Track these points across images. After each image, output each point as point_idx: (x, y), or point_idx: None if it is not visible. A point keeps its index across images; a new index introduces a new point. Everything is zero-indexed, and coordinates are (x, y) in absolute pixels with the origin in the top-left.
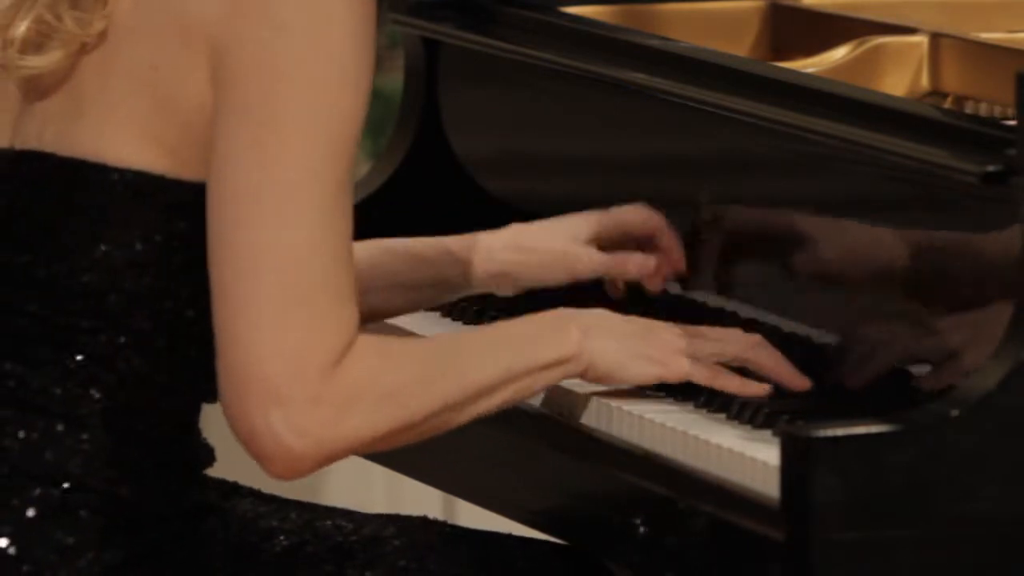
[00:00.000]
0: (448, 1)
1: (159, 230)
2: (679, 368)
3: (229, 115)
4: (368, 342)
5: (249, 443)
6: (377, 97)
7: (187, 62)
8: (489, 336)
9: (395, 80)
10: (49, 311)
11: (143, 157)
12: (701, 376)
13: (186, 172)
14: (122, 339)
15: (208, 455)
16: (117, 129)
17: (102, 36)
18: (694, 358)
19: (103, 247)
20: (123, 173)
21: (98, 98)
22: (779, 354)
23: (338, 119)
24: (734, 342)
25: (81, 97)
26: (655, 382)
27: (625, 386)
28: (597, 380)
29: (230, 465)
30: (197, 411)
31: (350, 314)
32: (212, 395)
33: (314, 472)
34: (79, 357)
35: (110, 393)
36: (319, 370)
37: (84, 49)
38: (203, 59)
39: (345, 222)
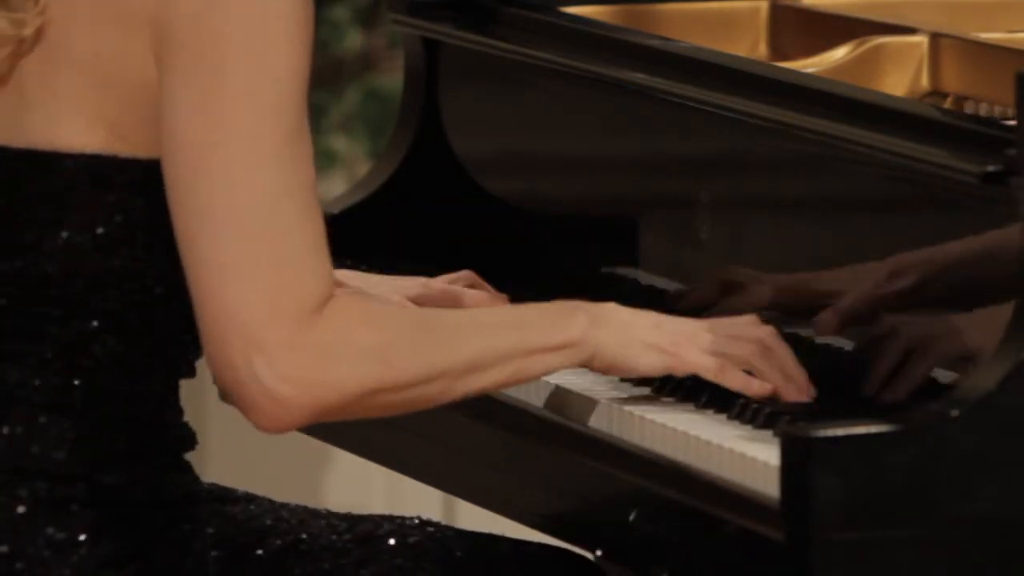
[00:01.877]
0: (448, 1)
1: (119, 211)
2: (687, 359)
3: (173, 85)
4: (353, 299)
5: (235, 392)
6: (377, 97)
7: (129, 45)
8: (493, 313)
9: (395, 80)
10: (17, 303)
11: (94, 141)
12: (709, 369)
13: (138, 151)
14: (94, 323)
15: (190, 438)
16: (66, 117)
17: (40, 31)
18: (703, 351)
19: (65, 234)
20: (76, 159)
21: (44, 89)
22: (788, 361)
23: (284, 75)
24: (744, 343)
25: (26, 90)
26: (663, 373)
27: (628, 384)
28: (604, 370)
29: (227, 466)
30: (175, 389)
31: (322, 263)
32: (189, 370)
33: (301, 426)
34: (54, 346)
35: (89, 378)
36: (295, 315)
37: (22, 47)
38: (145, 40)
39: (304, 172)
